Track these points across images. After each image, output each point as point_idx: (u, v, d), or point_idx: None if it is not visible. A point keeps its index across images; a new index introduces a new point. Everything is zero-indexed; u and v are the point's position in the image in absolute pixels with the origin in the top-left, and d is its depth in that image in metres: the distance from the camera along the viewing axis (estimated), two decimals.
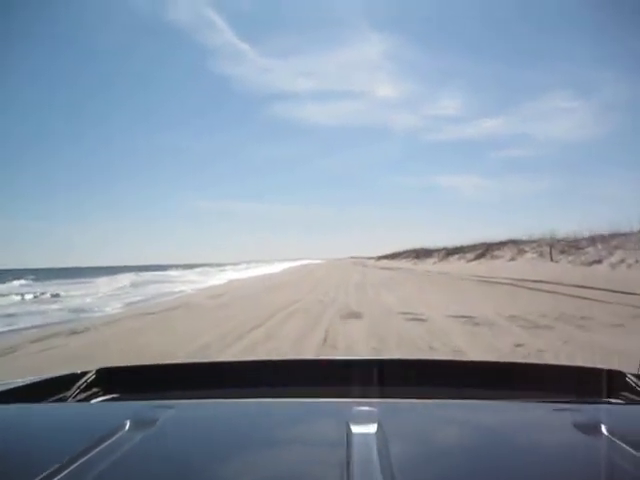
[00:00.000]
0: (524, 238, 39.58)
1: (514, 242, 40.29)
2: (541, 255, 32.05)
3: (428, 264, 50.33)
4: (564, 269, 25.85)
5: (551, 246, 31.57)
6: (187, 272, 61.27)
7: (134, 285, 32.37)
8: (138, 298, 22.19)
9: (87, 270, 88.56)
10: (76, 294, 25.87)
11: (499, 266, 32.73)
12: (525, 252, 35.35)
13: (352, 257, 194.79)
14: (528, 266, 29.13)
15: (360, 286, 23.20)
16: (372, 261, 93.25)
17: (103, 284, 34.56)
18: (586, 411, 1.09)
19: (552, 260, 29.81)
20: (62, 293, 26.97)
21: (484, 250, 43.30)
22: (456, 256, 48.81)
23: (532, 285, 18.81)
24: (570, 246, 30.00)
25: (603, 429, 0.93)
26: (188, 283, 33.60)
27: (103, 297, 23.53)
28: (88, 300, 21.59)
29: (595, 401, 1.26)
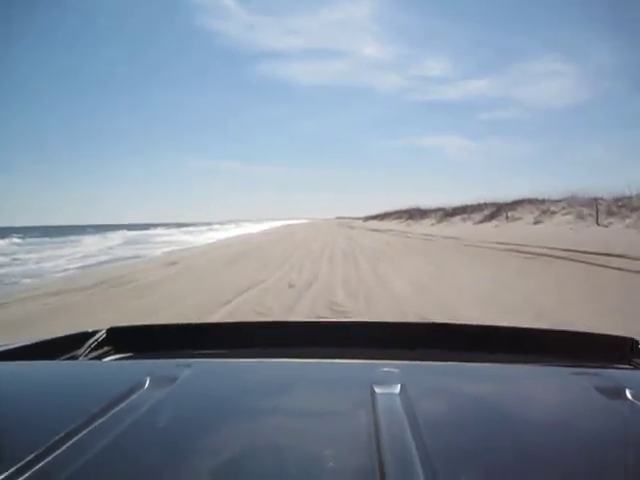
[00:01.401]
0: (543, 197, 33.39)
1: (532, 201, 34.10)
2: (580, 217, 25.72)
3: (424, 226, 43.88)
4: (622, 235, 19.64)
5: (597, 206, 25.36)
6: (168, 232, 60.08)
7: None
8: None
9: (77, 228, 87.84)
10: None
11: (522, 230, 26.60)
12: (554, 213, 29.10)
13: (338, 217, 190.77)
14: (566, 231, 22.97)
15: (349, 256, 16.82)
16: (359, 222, 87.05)
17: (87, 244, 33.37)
18: (606, 375, 1.08)
19: (598, 223, 23.61)
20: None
21: (495, 210, 37.00)
22: (457, 217, 42.39)
23: (602, 260, 12.54)
24: (620, 206, 23.80)
25: (627, 393, 0.93)
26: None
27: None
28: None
29: (611, 366, 1.24)
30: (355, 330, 1.55)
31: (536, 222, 29.25)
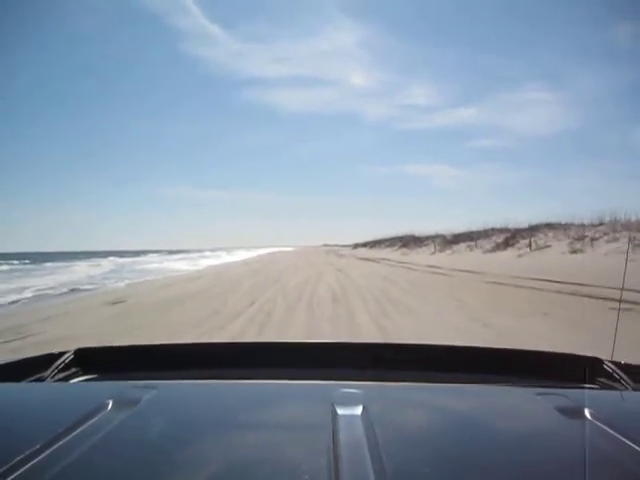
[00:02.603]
0: (563, 222, 28.38)
1: (553, 226, 29.10)
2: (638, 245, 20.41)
3: (423, 255, 38.78)
4: None
5: None
6: (157, 259, 62.01)
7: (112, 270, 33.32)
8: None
9: (69, 255, 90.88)
10: None
11: (560, 262, 21.39)
12: (595, 240, 23.88)
13: (325, 245, 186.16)
14: (631, 264, 17.78)
15: (340, 302, 11.49)
16: (347, 249, 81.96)
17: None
18: (568, 395, 1.08)
19: None
20: None
21: (509, 237, 31.88)
22: (462, 245, 37.28)
23: None
24: None
25: (586, 413, 0.94)
26: None
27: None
28: None
29: (576, 386, 1.24)
30: (318, 351, 1.54)
31: (573, 251, 24.02)
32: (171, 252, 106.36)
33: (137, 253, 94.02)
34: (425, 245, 45.17)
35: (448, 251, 37.20)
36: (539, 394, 1.08)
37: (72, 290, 18.93)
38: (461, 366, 1.39)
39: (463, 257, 31.48)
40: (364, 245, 75.53)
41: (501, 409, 1.07)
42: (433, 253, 38.78)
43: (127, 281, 23.13)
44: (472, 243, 36.12)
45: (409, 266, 26.50)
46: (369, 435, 0.80)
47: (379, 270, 24.28)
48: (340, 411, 0.90)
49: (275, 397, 1.09)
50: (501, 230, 35.50)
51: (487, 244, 33.95)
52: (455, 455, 0.81)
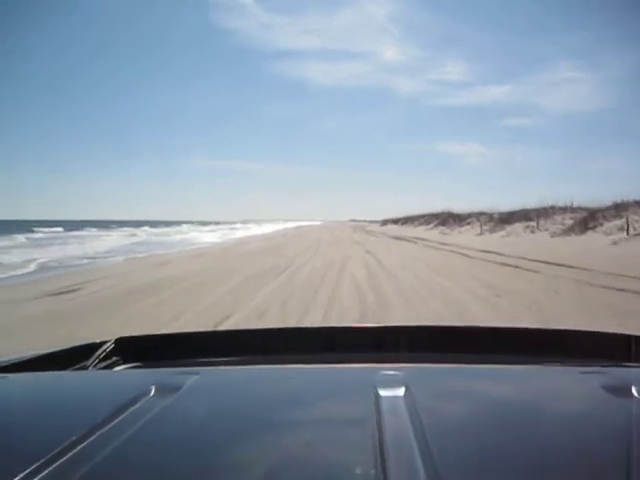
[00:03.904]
0: None
1: None
2: None
3: (469, 235, 32.58)
4: None
5: None
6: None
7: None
8: None
9: (102, 223, 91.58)
10: None
11: None
12: None
13: (352, 220, 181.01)
14: None
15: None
16: (375, 226, 75.98)
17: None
18: (614, 374, 1.07)
19: None
20: None
21: (587, 218, 25.41)
22: (517, 225, 30.84)
23: None
24: None
25: (634, 391, 0.93)
26: None
27: None
28: None
29: (620, 365, 1.23)
30: (358, 335, 1.55)
31: None
32: (203, 223, 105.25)
33: (168, 224, 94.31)
34: (468, 224, 39.02)
35: (501, 232, 30.82)
36: (583, 373, 1.08)
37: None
38: (503, 347, 1.37)
39: (524, 240, 25.17)
40: (394, 222, 69.09)
41: (546, 390, 1.05)
42: (480, 234, 32.60)
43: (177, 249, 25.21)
44: (531, 223, 29.84)
45: (456, 249, 20.57)
46: (413, 418, 0.78)
47: (419, 254, 18.50)
48: (383, 393, 0.89)
49: (317, 381, 1.09)
50: (565, 209, 29.25)
51: (551, 225, 27.69)
52: (499, 436, 0.80)
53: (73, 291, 10.46)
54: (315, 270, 12.88)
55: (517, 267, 13.60)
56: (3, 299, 9.69)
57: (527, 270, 12.84)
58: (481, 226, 34.74)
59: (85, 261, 19.47)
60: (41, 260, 18.94)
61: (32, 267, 16.95)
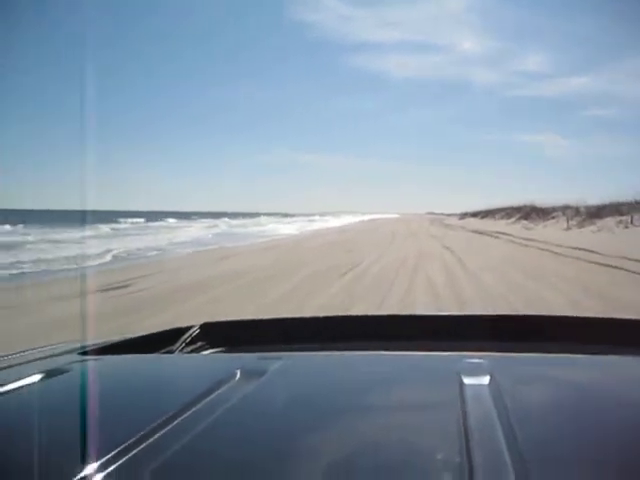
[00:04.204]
0: None
1: None
2: None
3: (554, 230, 30.37)
4: None
5: None
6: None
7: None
8: None
9: (182, 214, 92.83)
10: None
11: None
12: None
13: (430, 212, 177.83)
14: None
15: None
16: (453, 219, 73.52)
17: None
18: None
19: None
20: None
21: None
22: (608, 220, 28.44)
23: None
24: None
25: None
26: None
27: None
28: None
29: None
30: (441, 323, 1.54)
31: None
32: (282, 215, 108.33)
33: (247, 215, 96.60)
34: (552, 218, 36.61)
35: (591, 227, 28.51)
36: None
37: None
38: (588, 337, 1.34)
39: (619, 238, 22.98)
40: (473, 215, 66.49)
41: (632, 380, 1.03)
42: (568, 229, 30.38)
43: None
44: (624, 218, 27.45)
45: (545, 246, 18.98)
46: (498, 405, 0.78)
47: (505, 252, 17.13)
48: (467, 381, 0.89)
49: (401, 368, 1.08)
50: None
51: None
52: (588, 427, 0.78)
53: (145, 279, 10.21)
54: (385, 270, 11.94)
55: (621, 269, 12.09)
56: (47, 294, 9.26)
57: (636, 273, 11.33)
58: (568, 220, 32.42)
59: (157, 252, 20.12)
60: (117, 251, 19.44)
61: (108, 258, 17.39)
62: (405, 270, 11.70)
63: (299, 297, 8.65)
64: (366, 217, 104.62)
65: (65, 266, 14.37)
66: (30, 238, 24.82)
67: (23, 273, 13.15)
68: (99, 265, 15.28)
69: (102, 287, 9.82)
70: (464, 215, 73.24)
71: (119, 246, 21.31)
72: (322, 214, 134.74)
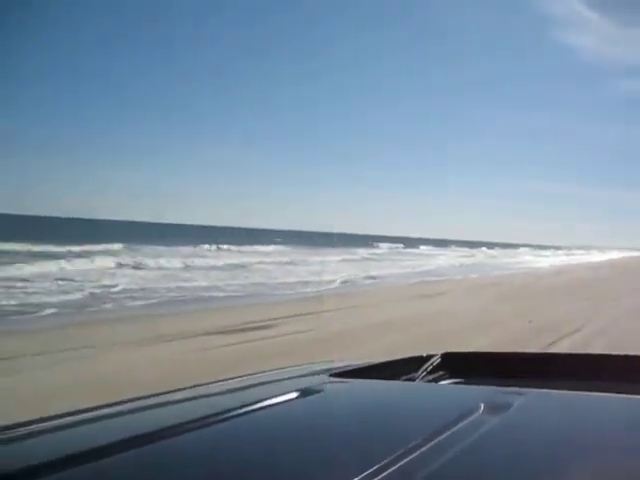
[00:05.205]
0: None
1: None
2: None
3: None
4: None
5: None
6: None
7: None
8: None
9: (440, 242, 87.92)
10: None
11: None
12: None
13: None
14: None
15: None
16: None
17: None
18: None
19: None
20: None
21: None
22: None
23: None
24: None
25: None
26: None
27: None
28: None
29: None
30: None
31: None
32: (542, 247, 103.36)
33: (505, 245, 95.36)
34: None
35: None
36: None
37: None
38: None
39: None
40: None
41: None
42: None
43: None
44: None
45: None
46: None
47: None
48: None
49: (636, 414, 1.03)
50: None
51: None
52: None
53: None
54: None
55: None
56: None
57: None
58: None
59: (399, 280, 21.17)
60: (358, 277, 20.92)
61: (337, 283, 18.24)
62: None
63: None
64: (636, 253, 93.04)
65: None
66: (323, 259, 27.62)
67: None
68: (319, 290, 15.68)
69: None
70: None
71: (373, 272, 23.25)
72: (587, 248, 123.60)
